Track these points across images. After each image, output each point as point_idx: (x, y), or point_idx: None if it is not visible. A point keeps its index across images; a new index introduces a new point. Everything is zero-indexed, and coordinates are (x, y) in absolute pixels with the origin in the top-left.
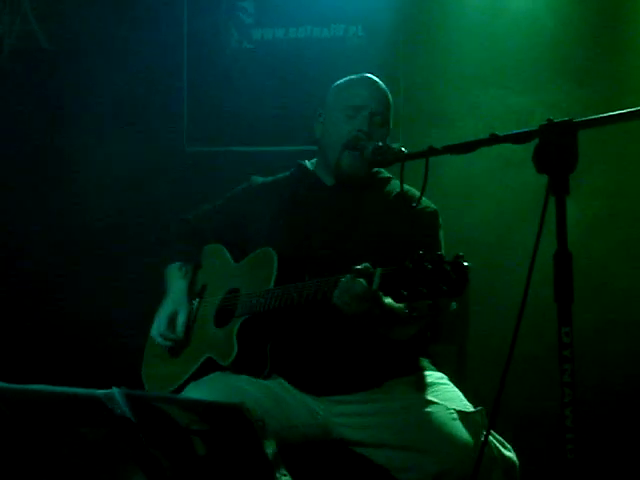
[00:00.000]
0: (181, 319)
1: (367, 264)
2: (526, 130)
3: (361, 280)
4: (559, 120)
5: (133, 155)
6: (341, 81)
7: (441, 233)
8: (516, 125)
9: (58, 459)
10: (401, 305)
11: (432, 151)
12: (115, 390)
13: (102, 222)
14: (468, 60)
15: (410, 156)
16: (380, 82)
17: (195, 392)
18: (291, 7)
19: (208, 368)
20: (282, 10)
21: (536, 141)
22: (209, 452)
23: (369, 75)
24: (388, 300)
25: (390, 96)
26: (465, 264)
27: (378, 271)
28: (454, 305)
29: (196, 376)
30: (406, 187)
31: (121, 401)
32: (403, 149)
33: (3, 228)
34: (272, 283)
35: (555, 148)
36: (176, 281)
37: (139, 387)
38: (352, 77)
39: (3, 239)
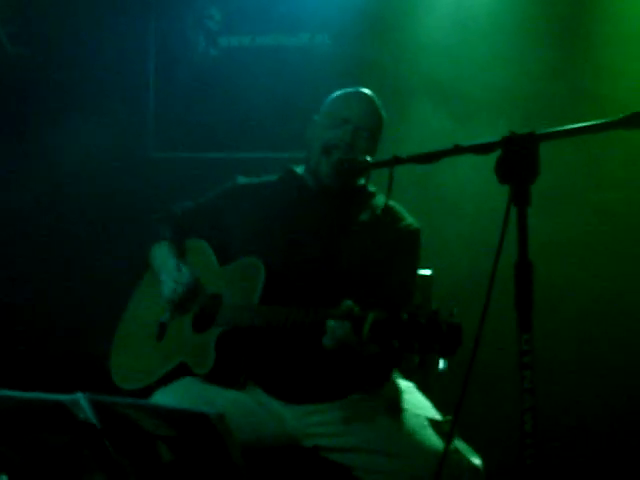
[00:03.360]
0: (185, 270)
1: (351, 304)
2: (489, 142)
3: (349, 326)
4: (521, 132)
5: (98, 160)
6: (338, 92)
7: (419, 252)
8: (483, 134)
9: (21, 464)
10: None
11: (397, 160)
12: (80, 395)
13: (64, 226)
14: (435, 68)
15: (375, 165)
16: (374, 98)
17: (163, 398)
18: (258, 15)
19: (180, 372)
20: (249, 17)
21: (499, 152)
22: (175, 459)
23: (364, 90)
24: (376, 348)
25: (383, 114)
26: (460, 326)
27: (370, 318)
28: (445, 363)
29: (167, 378)
30: (392, 203)
31: (86, 407)
32: (368, 158)
33: None
34: (256, 297)
35: (517, 159)
36: (168, 258)
37: (105, 393)
38: (348, 90)
39: None
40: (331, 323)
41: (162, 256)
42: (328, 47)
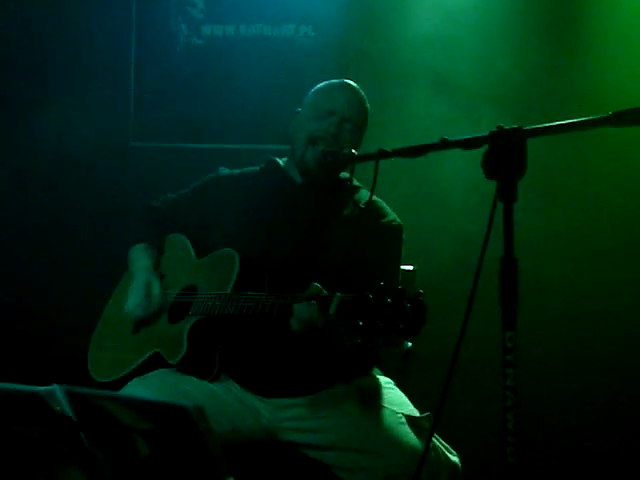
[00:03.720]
0: (156, 289)
1: (318, 286)
2: (476, 136)
3: (315, 306)
4: (508, 127)
5: (76, 148)
6: (322, 84)
7: (403, 248)
8: (467, 128)
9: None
10: (355, 338)
11: (382, 154)
12: (56, 387)
13: (40, 215)
14: (419, 61)
15: (359, 158)
16: (359, 90)
17: (137, 389)
18: (242, 4)
19: (154, 363)
20: (233, 7)
21: (486, 147)
22: (152, 452)
23: (349, 82)
24: (342, 328)
25: (368, 106)
26: (424, 304)
27: (336, 297)
28: (408, 344)
29: (141, 369)
30: (375, 198)
31: (62, 398)
32: (354, 151)
33: None
34: (230, 287)
35: (504, 155)
36: (142, 260)
37: (83, 384)
38: (333, 81)
39: None
40: (297, 305)
41: (136, 263)
42: (312, 39)
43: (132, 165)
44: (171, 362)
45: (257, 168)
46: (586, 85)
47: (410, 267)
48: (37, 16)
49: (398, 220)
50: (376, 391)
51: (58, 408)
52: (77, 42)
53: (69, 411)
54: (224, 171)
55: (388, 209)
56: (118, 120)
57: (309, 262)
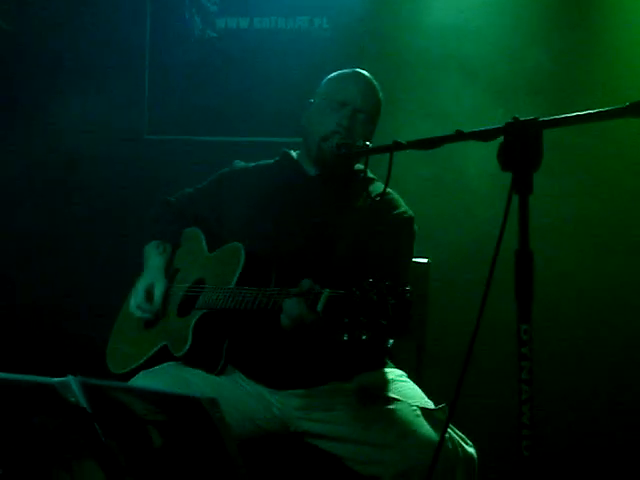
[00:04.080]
0: (158, 291)
1: (310, 282)
2: (491, 127)
3: (304, 304)
4: (524, 119)
5: (92, 142)
6: (334, 73)
7: (413, 241)
8: (478, 121)
9: (10, 448)
10: (342, 335)
11: (397, 146)
12: (71, 378)
13: (55, 208)
14: (433, 52)
15: (374, 150)
16: (371, 79)
17: (144, 382)
18: None
19: (163, 356)
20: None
21: (501, 139)
22: (166, 443)
23: (361, 71)
24: (330, 324)
25: (381, 95)
26: (409, 301)
27: (325, 294)
28: (390, 342)
29: (150, 362)
30: (389, 190)
31: (77, 390)
32: (368, 143)
33: None
34: (234, 281)
35: (520, 146)
36: (153, 258)
37: (98, 376)
38: (345, 71)
39: None
40: (287, 302)
41: (148, 262)
42: (327, 30)
43: (147, 158)
44: (177, 355)
45: (272, 161)
46: (617, 73)
47: (425, 260)
48: (53, 10)
49: (410, 212)
50: (389, 384)
51: (73, 399)
52: (92, 36)
53: (84, 402)
54: (239, 164)
55: (400, 201)
56: (133, 113)
57: (318, 256)
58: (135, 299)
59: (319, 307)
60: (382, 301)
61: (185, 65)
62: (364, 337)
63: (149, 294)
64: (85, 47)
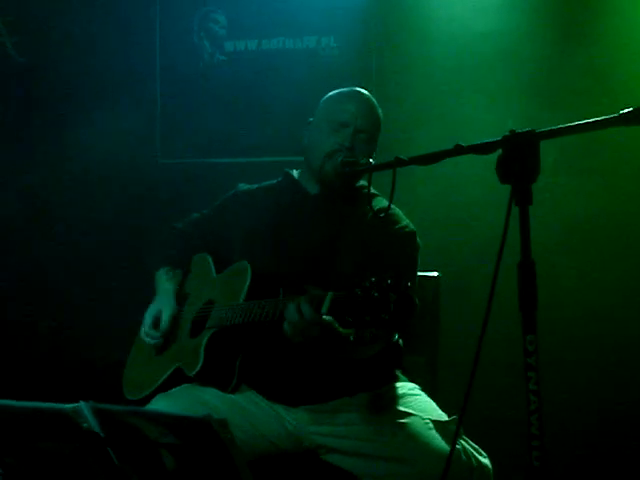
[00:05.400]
0: (165, 316)
1: (312, 288)
2: (489, 141)
3: (307, 305)
4: (521, 131)
5: (105, 167)
6: (333, 93)
7: (417, 254)
8: (487, 136)
9: (25, 475)
10: (347, 330)
11: (399, 162)
12: (82, 404)
13: (69, 233)
14: (440, 71)
15: (377, 167)
16: (371, 98)
17: (161, 404)
18: (263, 18)
19: (178, 378)
20: (254, 21)
21: (499, 152)
22: (179, 466)
23: (360, 90)
24: (335, 325)
25: (380, 112)
26: (410, 296)
27: (329, 295)
28: (395, 336)
29: (165, 385)
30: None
31: (89, 415)
32: (371, 160)
33: None
34: (242, 298)
35: (518, 159)
36: (163, 284)
37: (109, 402)
38: (344, 90)
39: None
40: (289, 306)
41: (158, 288)
42: (335, 49)
43: (162, 182)
44: (190, 375)
45: (274, 182)
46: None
47: (435, 273)
48: (65, 41)
49: (411, 226)
50: (401, 398)
51: (85, 425)
52: (103, 63)
53: (96, 427)
54: (243, 187)
55: (402, 216)
56: (146, 138)
57: (322, 273)
58: (143, 327)
59: (324, 309)
60: (383, 297)
61: (196, 89)
62: (367, 335)
63: (156, 320)
64: (97, 74)
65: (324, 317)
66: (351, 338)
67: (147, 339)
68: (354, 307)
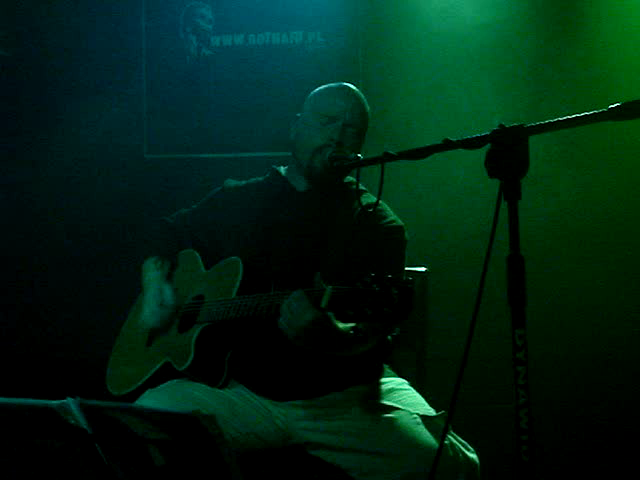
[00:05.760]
0: (168, 295)
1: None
2: (478, 135)
3: (306, 299)
4: (510, 125)
5: (92, 163)
6: (321, 88)
7: (404, 249)
8: (476, 131)
9: (12, 471)
10: (347, 325)
11: (387, 157)
12: (70, 400)
13: (56, 229)
14: (427, 65)
15: (366, 162)
16: (358, 93)
17: (150, 400)
18: (250, 13)
19: (166, 373)
20: (241, 16)
21: (488, 146)
22: (167, 462)
23: (348, 85)
24: (334, 320)
25: (367, 107)
26: (411, 289)
27: (328, 289)
28: (397, 330)
29: (154, 379)
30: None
31: (76, 411)
32: (359, 155)
33: None
34: (234, 293)
35: (506, 153)
36: (152, 272)
37: (95, 398)
38: (332, 85)
39: None
40: (284, 303)
41: (147, 275)
42: (322, 44)
43: (148, 177)
44: (180, 370)
45: (262, 178)
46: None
47: (423, 268)
48: (49, 34)
49: (399, 221)
50: (389, 393)
51: (73, 421)
52: (89, 57)
53: (84, 424)
54: (230, 183)
55: (389, 211)
56: (132, 133)
57: (311, 268)
58: (149, 308)
59: (323, 303)
60: (386, 291)
61: (182, 84)
62: (368, 329)
63: (161, 300)
64: (82, 69)
65: (324, 313)
66: (351, 332)
67: (153, 319)
68: (355, 301)
